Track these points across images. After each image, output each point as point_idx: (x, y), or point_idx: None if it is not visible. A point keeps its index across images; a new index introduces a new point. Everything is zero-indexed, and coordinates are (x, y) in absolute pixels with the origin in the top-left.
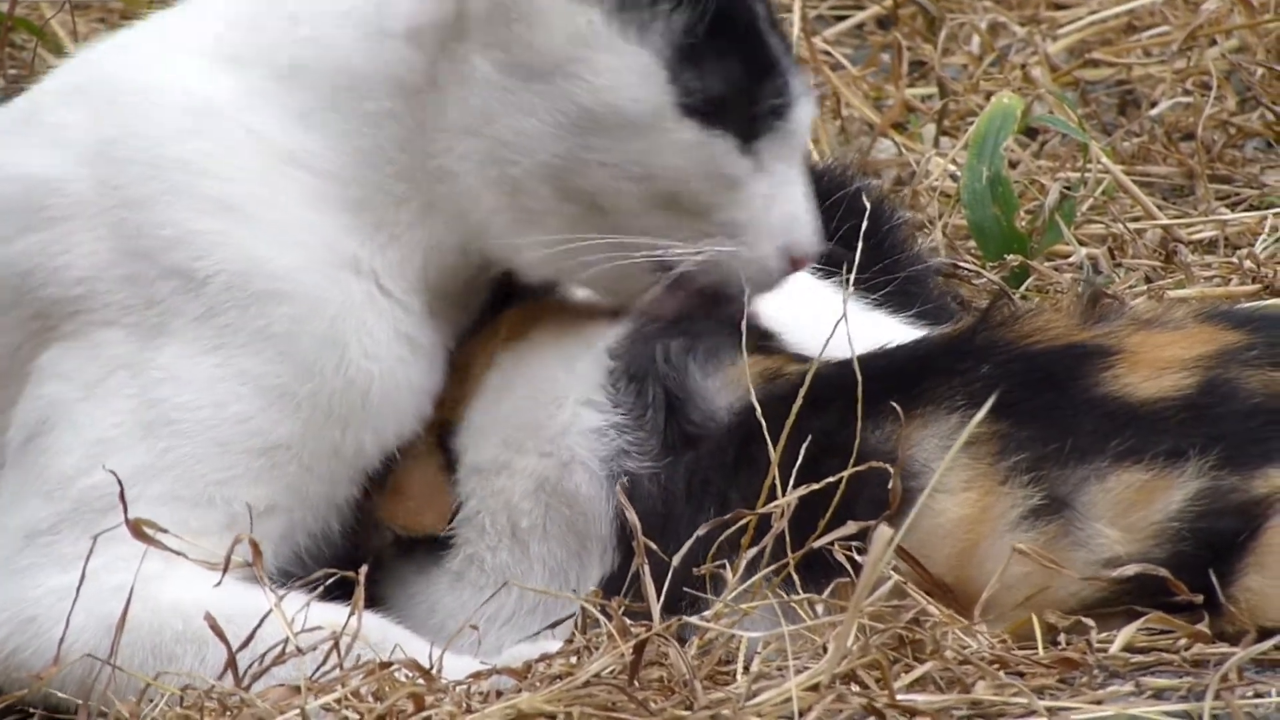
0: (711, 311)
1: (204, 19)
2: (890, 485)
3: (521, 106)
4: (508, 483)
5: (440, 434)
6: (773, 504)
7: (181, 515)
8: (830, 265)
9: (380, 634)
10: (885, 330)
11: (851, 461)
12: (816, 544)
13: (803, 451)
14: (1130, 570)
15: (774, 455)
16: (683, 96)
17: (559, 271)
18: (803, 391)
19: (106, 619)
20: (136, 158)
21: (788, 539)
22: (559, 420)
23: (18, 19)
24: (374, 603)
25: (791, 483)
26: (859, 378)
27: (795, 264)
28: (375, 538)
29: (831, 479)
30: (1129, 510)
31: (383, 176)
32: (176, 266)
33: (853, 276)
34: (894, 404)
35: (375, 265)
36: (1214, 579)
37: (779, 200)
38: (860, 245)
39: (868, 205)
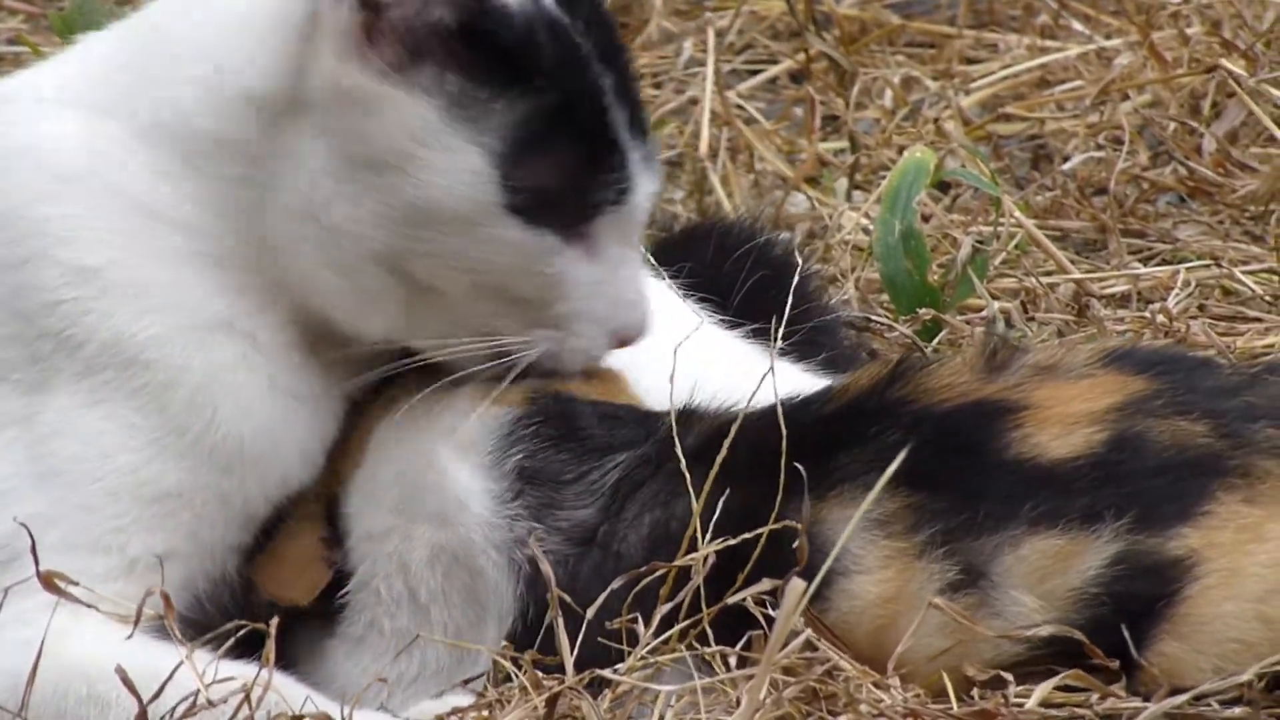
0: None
1: (77, 70)
2: (796, 544)
3: (349, 196)
4: (402, 546)
5: (327, 505)
6: (689, 556)
7: (80, 562)
8: (741, 319)
9: (290, 689)
10: (793, 381)
11: (772, 518)
12: (731, 599)
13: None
14: (1045, 631)
15: (696, 507)
16: (509, 196)
17: (404, 350)
18: (727, 443)
19: (14, 675)
20: (10, 218)
21: (703, 594)
22: (447, 489)
23: None
24: (282, 661)
25: (708, 536)
26: (783, 433)
27: (626, 342)
28: (255, 597)
29: (748, 535)
30: (1046, 577)
31: (241, 242)
32: (51, 330)
33: (781, 330)
34: (803, 474)
35: (249, 326)
36: (1130, 643)
37: (609, 286)
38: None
39: (800, 262)
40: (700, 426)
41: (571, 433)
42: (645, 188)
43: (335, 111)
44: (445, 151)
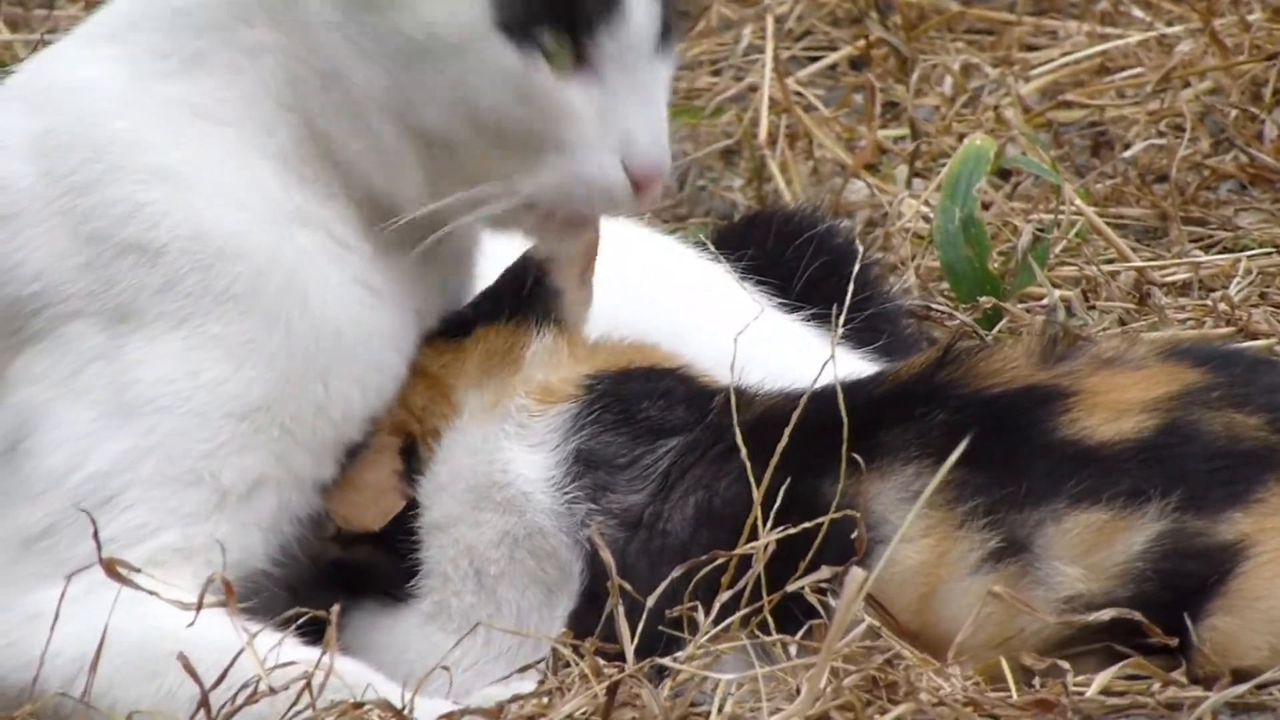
0: (579, 234)
1: (108, 8)
2: (855, 534)
3: (352, 42)
4: (470, 533)
5: (403, 443)
6: (750, 545)
7: (172, 499)
8: (804, 304)
9: (353, 675)
10: (851, 367)
11: (834, 506)
12: (791, 587)
13: (773, 495)
14: (1107, 615)
15: (757, 495)
16: (498, 13)
17: (441, 217)
18: (788, 430)
19: (98, 632)
20: (75, 143)
21: (764, 582)
22: (513, 481)
23: None
24: (343, 649)
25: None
26: (844, 419)
27: (641, 178)
28: (320, 530)
29: (809, 524)
30: (1089, 551)
31: (288, 131)
32: (131, 241)
33: (842, 317)
34: (855, 456)
35: (320, 217)
36: (1188, 622)
37: (615, 115)
38: (850, 287)
39: (861, 249)
40: (752, 409)
41: (628, 416)
42: (642, 10)
43: None
44: None
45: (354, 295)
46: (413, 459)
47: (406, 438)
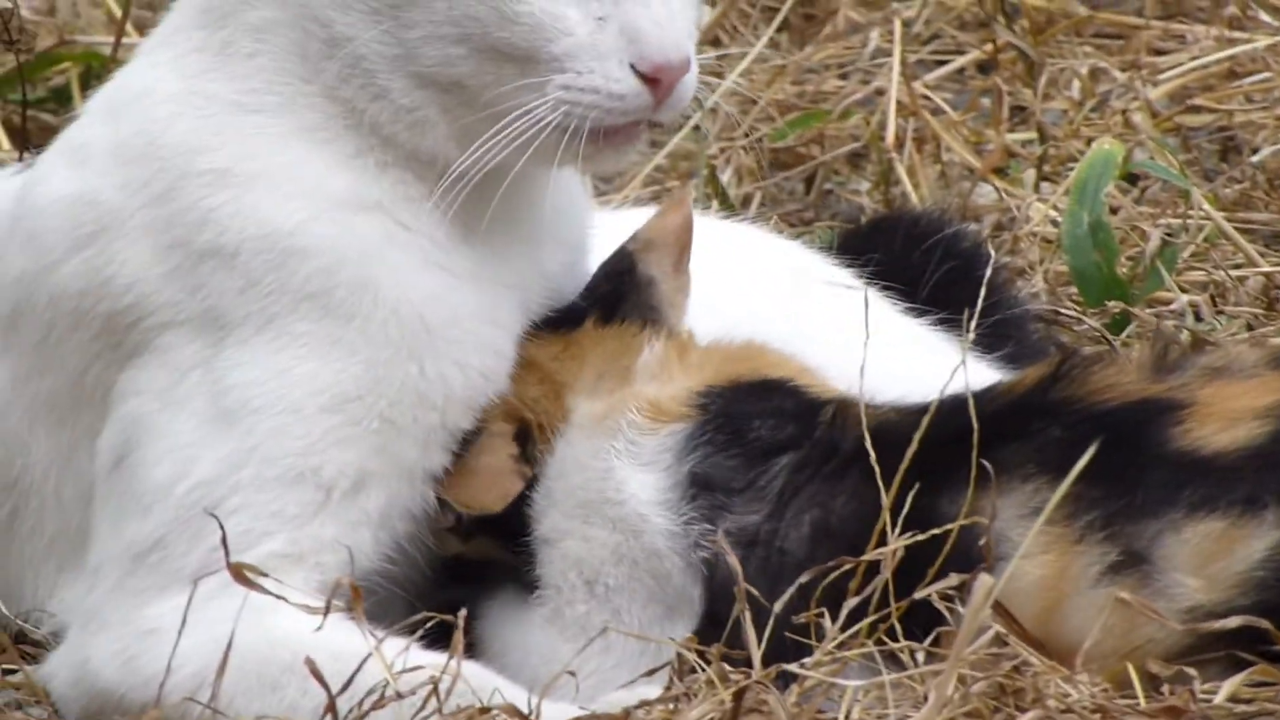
0: (620, 147)
1: (161, 27)
2: (982, 541)
3: (346, 4)
4: (582, 548)
5: (517, 430)
6: (878, 551)
7: (275, 501)
8: (931, 308)
9: (479, 679)
10: (975, 374)
11: (963, 513)
12: (919, 594)
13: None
14: (1234, 622)
15: (885, 500)
16: None
17: (478, 162)
18: (918, 436)
19: (219, 643)
20: (145, 153)
21: (891, 588)
22: (627, 504)
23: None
24: (469, 647)
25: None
26: (975, 430)
27: (654, 76)
28: (438, 520)
29: (937, 530)
30: (1208, 561)
31: (324, 106)
32: (208, 246)
33: (974, 323)
34: (984, 463)
35: (375, 194)
36: None
37: (612, 19)
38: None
39: (992, 254)
40: (867, 421)
41: (739, 436)
42: None
43: None
44: None
45: (428, 278)
46: (528, 444)
47: (520, 425)
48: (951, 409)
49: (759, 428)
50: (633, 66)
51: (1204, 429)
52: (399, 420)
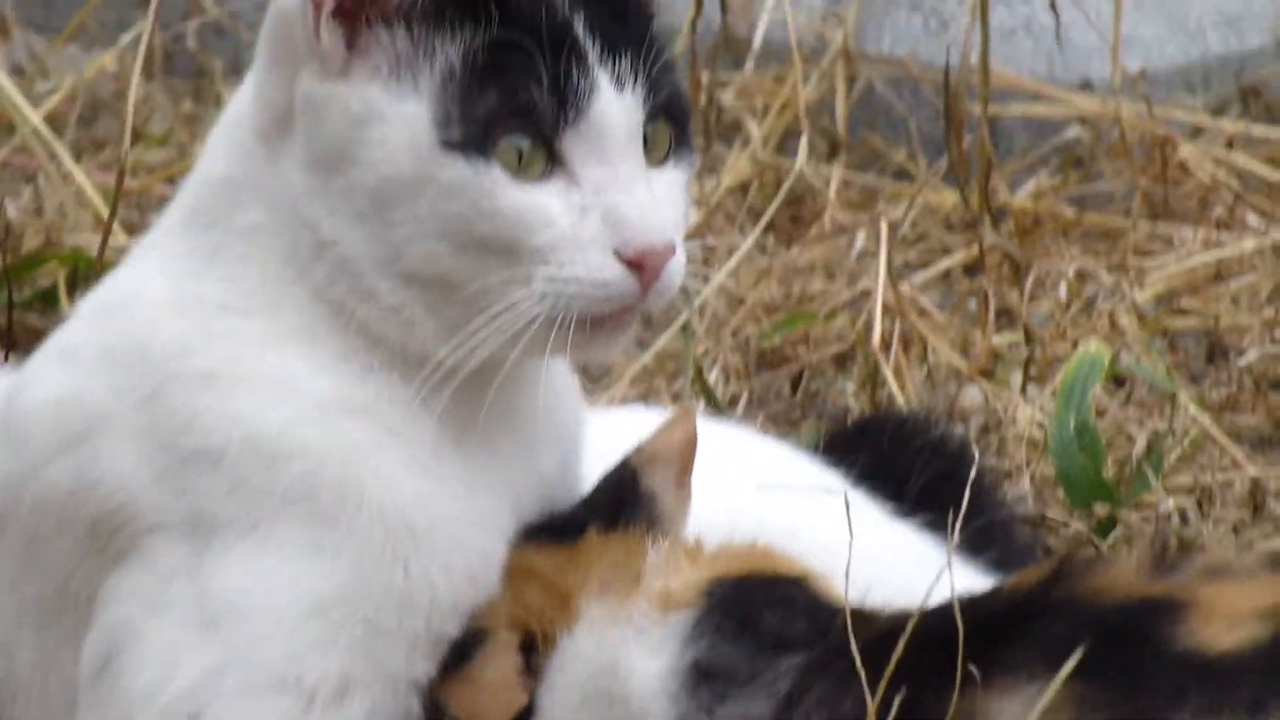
0: (611, 335)
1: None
2: None
3: (327, 207)
4: None
5: (522, 641)
6: None
7: (258, 711)
8: (918, 510)
9: None
10: (965, 578)
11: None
12: None
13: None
14: None
15: (871, 705)
16: (444, 134)
17: (466, 357)
18: (903, 640)
19: None
20: (133, 357)
21: None
22: (632, 698)
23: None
24: None
25: None
26: (960, 632)
27: (638, 261)
28: None
29: None
30: None
31: (308, 309)
32: (195, 448)
33: (959, 525)
34: (973, 669)
35: (363, 400)
36: None
37: (594, 208)
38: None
39: (978, 456)
40: (873, 626)
41: (748, 625)
42: (609, 101)
43: (302, 123)
44: (386, 122)
45: (414, 481)
46: (533, 656)
47: (526, 635)
48: (952, 612)
49: (769, 619)
50: (617, 253)
51: (1206, 629)
52: (383, 625)
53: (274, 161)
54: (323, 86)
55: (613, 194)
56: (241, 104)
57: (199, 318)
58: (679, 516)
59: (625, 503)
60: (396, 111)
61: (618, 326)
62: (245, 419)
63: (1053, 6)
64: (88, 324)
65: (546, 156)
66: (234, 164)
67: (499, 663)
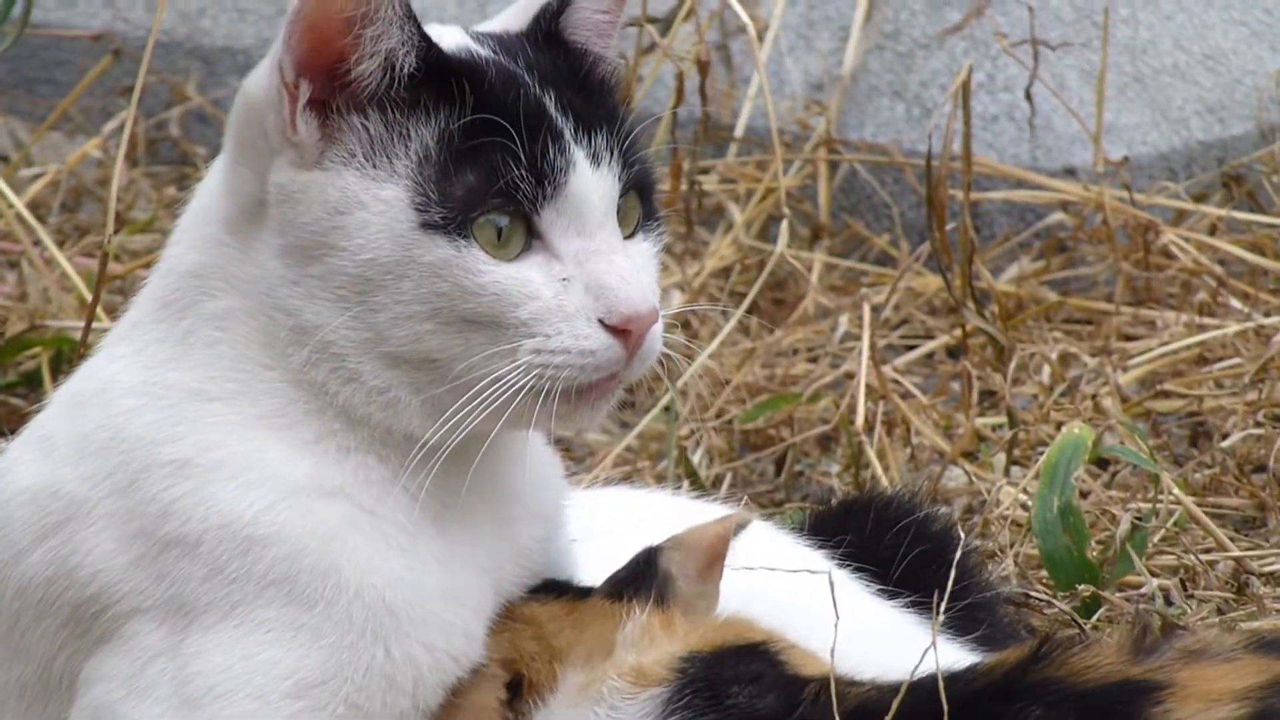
0: (595, 404)
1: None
2: None
3: (310, 294)
4: None
5: (510, 678)
6: None
7: None
8: (902, 591)
9: None
10: (948, 657)
11: None
12: None
13: None
14: None
15: None
16: (423, 215)
17: (451, 433)
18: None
19: None
20: (108, 446)
21: None
22: None
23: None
24: None
25: None
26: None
27: (623, 327)
28: None
29: None
30: None
31: (281, 393)
32: (171, 536)
33: (943, 605)
34: None
35: (339, 482)
36: None
37: (576, 280)
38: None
39: (963, 537)
40: (847, 701)
41: (717, 702)
42: (586, 177)
43: (276, 213)
44: (363, 208)
45: (392, 561)
46: (516, 697)
47: (515, 674)
48: (933, 688)
49: (737, 694)
50: (601, 321)
51: (1184, 710)
52: (365, 705)
53: (245, 250)
54: (299, 176)
55: (593, 265)
56: (208, 195)
57: (172, 405)
58: (699, 607)
59: (638, 577)
60: (375, 196)
61: (601, 395)
62: (220, 505)
63: (1028, 96)
64: (63, 413)
65: (525, 232)
66: (203, 254)
67: (484, 692)
